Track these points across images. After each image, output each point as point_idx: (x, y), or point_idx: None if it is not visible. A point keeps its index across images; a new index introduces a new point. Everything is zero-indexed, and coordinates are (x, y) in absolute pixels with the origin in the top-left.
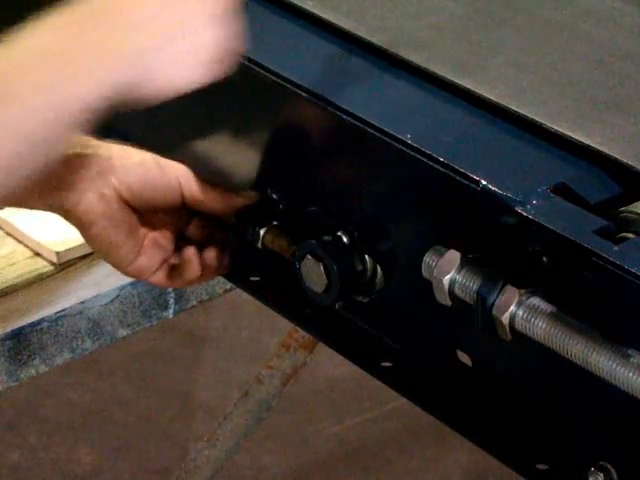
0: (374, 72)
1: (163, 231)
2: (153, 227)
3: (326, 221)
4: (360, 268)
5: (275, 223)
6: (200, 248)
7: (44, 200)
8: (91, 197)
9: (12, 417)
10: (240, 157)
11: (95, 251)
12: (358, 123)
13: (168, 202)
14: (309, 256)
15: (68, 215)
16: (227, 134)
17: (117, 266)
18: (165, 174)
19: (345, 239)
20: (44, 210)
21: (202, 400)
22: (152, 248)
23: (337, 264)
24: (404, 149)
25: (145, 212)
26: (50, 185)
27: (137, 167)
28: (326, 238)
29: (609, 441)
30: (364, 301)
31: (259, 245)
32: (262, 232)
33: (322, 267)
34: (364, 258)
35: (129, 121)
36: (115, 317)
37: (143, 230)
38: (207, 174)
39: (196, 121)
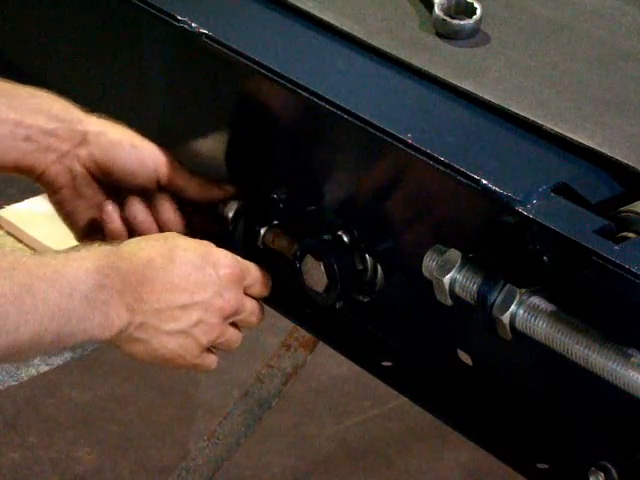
0: (375, 73)
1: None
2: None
3: (326, 220)
4: (360, 267)
5: (275, 222)
6: None
7: (14, 163)
8: (58, 168)
9: (13, 416)
10: (241, 157)
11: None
12: (359, 123)
13: (140, 184)
14: (309, 256)
15: (36, 180)
16: (228, 134)
17: (73, 233)
18: (140, 156)
19: (345, 238)
20: (13, 172)
21: (202, 399)
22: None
23: (337, 263)
24: (405, 149)
25: (116, 190)
26: (21, 150)
27: (110, 146)
28: (326, 237)
29: (609, 441)
30: (365, 300)
31: (259, 244)
32: (262, 231)
33: (322, 266)
34: (364, 257)
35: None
36: None
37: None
38: (205, 171)
39: (199, 120)
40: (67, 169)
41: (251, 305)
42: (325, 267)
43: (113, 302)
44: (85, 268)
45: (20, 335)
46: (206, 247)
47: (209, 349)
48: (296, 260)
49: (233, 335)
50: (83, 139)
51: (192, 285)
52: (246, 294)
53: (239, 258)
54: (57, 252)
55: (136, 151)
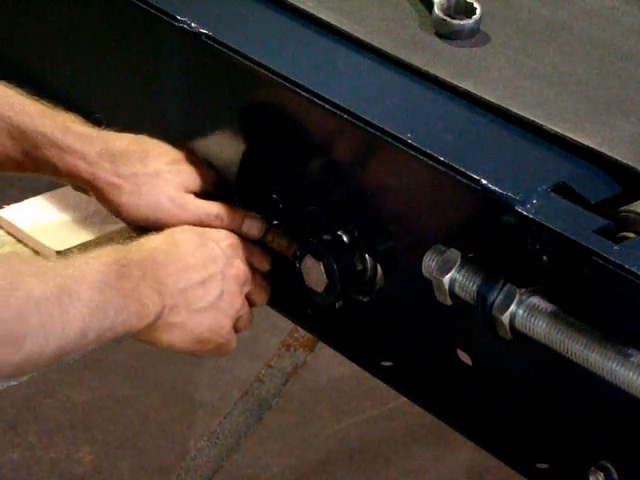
0: (375, 73)
1: None
2: None
3: (325, 220)
4: (360, 267)
5: (275, 222)
6: None
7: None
8: None
9: (12, 416)
10: (243, 158)
11: None
12: (359, 123)
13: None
14: (309, 256)
15: None
16: (228, 135)
17: None
18: (155, 205)
19: (345, 238)
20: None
21: (202, 399)
22: None
23: (337, 263)
24: (405, 149)
25: None
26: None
27: (127, 214)
28: (326, 237)
29: (609, 440)
30: (365, 300)
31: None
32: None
33: (322, 266)
34: (364, 257)
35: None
36: None
37: None
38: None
39: (200, 120)
40: None
41: (257, 275)
42: (325, 267)
43: (141, 289)
44: (104, 261)
45: (65, 336)
46: (199, 227)
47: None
48: (296, 260)
49: (248, 312)
50: (109, 205)
51: (202, 260)
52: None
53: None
54: (74, 255)
55: (154, 206)
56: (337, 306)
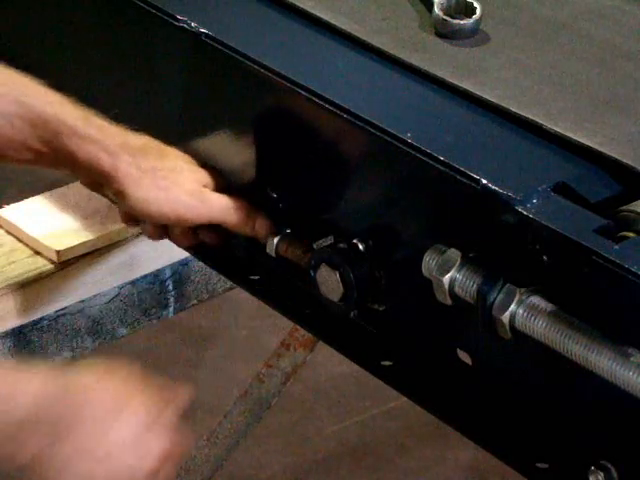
0: (375, 73)
1: None
2: None
3: (322, 222)
4: (377, 275)
5: (288, 231)
6: None
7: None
8: None
9: None
10: (242, 158)
11: None
12: (358, 122)
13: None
14: (324, 265)
15: None
16: (231, 135)
17: None
18: (165, 210)
19: (361, 246)
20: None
21: (202, 399)
22: None
23: (353, 272)
24: (405, 148)
25: None
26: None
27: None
28: (342, 246)
29: (609, 440)
30: (380, 309)
31: (272, 254)
32: (276, 240)
33: (338, 276)
34: (380, 265)
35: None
36: (115, 316)
37: None
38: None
39: (204, 121)
40: None
41: None
42: (341, 276)
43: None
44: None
45: None
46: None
47: None
48: (310, 269)
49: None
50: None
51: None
52: None
53: None
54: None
55: (162, 208)
56: (352, 315)
